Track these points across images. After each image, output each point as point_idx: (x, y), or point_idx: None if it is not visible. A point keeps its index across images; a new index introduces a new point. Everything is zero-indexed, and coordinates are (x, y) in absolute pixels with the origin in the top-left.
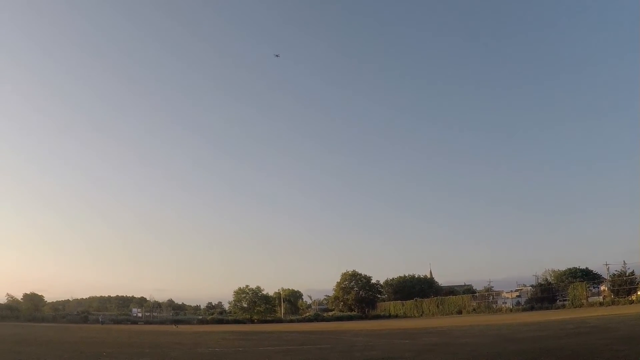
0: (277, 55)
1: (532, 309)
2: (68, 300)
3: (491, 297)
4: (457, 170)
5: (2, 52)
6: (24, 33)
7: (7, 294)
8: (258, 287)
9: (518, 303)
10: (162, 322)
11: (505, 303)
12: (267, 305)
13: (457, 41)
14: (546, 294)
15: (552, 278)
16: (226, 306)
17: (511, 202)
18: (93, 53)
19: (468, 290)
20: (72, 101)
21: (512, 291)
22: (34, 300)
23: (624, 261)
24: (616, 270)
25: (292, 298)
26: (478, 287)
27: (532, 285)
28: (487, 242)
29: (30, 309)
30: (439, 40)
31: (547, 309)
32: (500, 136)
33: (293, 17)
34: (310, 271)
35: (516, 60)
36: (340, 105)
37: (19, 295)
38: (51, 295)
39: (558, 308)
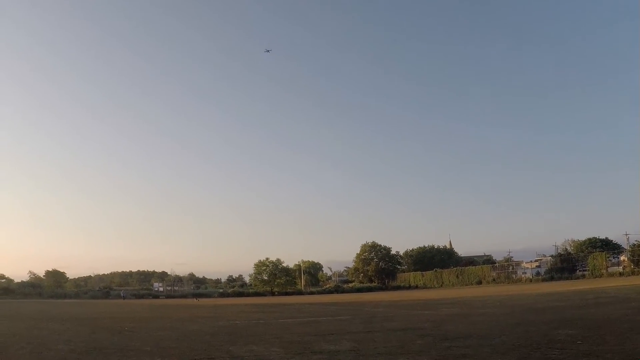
0: (268, 51)
1: (551, 279)
2: (90, 277)
3: (511, 268)
4: (476, 138)
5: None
6: (54, 17)
7: (30, 272)
8: (278, 260)
9: (538, 273)
10: (183, 296)
11: (525, 273)
12: (288, 278)
13: None
14: (566, 264)
15: (572, 248)
16: (247, 279)
17: (531, 171)
18: (121, 34)
19: (488, 260)
20: (99, 82)
21: (531, 261)
22: (56, 277)
23: None
24: (636, 241)
25: (313, 270)
26: (498, 257)
27: (551, 256)
28: (506, 212)
29: (52, 286)
30: None
31: (566, 279)
32: (523, 100)
33: None
34: (331, 243)
35: None
36: (364, 81)
37: (41, 273)
38: (73, 271)
39: (578, 278)
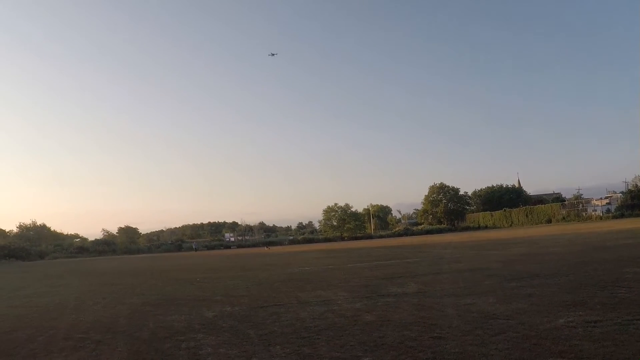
0: (273, 54)
1: (622, 216)
2: (162, 231)
3: (580, 205)
4: (543, 73)
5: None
6: None
7: (103, 229)
8: (347, 205)
9: (608, 210)
10: (254, 245)
11: (595, 211)
12: (357, 222)
13: None
14: (636, 200)
15: None
16: (316, 225)
17: (601, 106)
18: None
19: (557, 199)
20: (153, 52)
21: (601, 198)
22: (128, 233)
23: None
24: None
25: (382, 214)
26: (567, 195)
27: (622, 192)
28: (576, 148)
29: (125, 242)
30: None
31: (637, 216)
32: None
33: None
34: (399, 186)
35: None
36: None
37: (114, 230)
38: (145, 227)
39: None
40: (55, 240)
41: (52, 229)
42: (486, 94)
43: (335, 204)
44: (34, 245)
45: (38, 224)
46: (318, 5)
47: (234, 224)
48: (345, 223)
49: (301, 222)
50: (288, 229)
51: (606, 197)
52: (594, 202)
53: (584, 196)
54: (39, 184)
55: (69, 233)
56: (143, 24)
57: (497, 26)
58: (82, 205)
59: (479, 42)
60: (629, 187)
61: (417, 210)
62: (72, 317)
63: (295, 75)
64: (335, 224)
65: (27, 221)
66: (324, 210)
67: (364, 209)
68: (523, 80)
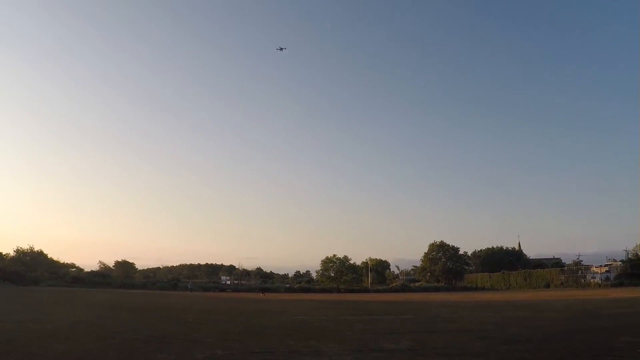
0: (281, 49)
1: (621, 284)
2: (159, 268)
3: (580, 272)
4: (546, 140)
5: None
6: None
7: (100, 262)
8: (345, 257)
9: (607, 278)
10: (249, 290)
11: (594, 278)
12: (354, 275)
13: None
14: (636, 269)
15: None
16: (314, 275)
17: (606, 174)
18: None
19: (556, 263)
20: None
21: (601, 266)
22: (125, 267)
23: None
24: None
25: (380, 268)
26: (567, 260)
27: (622, 261)
28: (578, 214)
29: (121, 276)
30: None
31: (636, 285)
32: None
33: None
34: (399, 241)
35: None
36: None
37: (110, 263)
38: (142, 262)
39: None
40: (51, 267)
41: (49, 256)
42: (489, 158)
43: (334, 255)
44: (30, 271)
45: (35, 249)
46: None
47: (231, 267)
48: (343, 275)
49: (299, 271)
50: (285, 276)
51: (606, 265)
52: (594, 269)
53: (584, 263)
54: (40, 209)
55: (65, 262)
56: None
57: (492, 85)
58: (80, 234)
59: (479, 101)
60: (629, 256)
61: (416, 267)
62: (63, 346)
63: (290, 129)
64: (332, 275)
65: (25, 246)
66: (322, 261)
67: (363, 262)
68: (529, 143)
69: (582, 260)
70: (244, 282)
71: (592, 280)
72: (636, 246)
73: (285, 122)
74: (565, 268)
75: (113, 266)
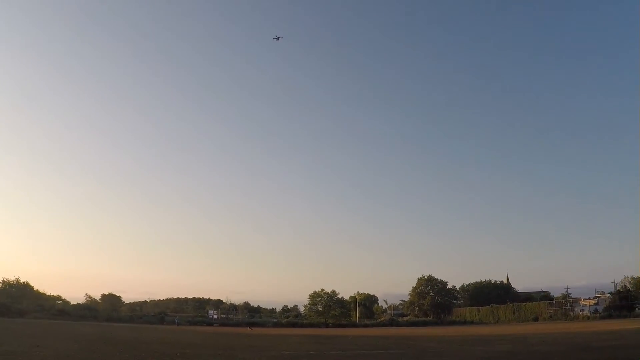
0: (278, 38)
1: (609, 317)
2: (145, 302)
3: (568, 305)
4: (536, 172)
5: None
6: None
7: (86, 294)
8: (333, 291)
9: (596, 311)
10: (237, 325)
11: (583, 311)
12: (342, 310)
13: None
14: (625, 301)
15: (631, 285)
16: (302, 309)
17: (592, 207)
18: None
19: (545, 297)
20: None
21: (590, 298)
22: (112, 300)
23: None
24: None
25: (368, 302)
26: (556, 293)
27: (610, 293)
28: (566, 247)
29: (108, 309)
30: None
31: (625, 317)
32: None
33: None
34: (387, 275)
35: None
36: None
37: (97, 296)
38: (129, 296)
39: (637, 316)
40: (37, 300)
41: (35, 288)
42: (477, 193)
43: (322, 290)
44: (15, 303)
45: (22, 281)
46: None
47: (219, 301)
48: (331, 309)
49: (286, 305)
50: (273, 310)
51: (594, 297)
52: (582, 301)
53: (573, 295)
54: (27, 240)
55: (52, 294)
56: None
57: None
58: (67, 266)
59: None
60: (618, 288)
61: (404, 301)
62: None
63: (274, 164)
64: (320, 309)
65: (11, 277)
66: (310, 295)
67: (351, 297)
68: (517, 179)
69: (570, 293)
70: (231, 316)
71: (580, 313)
72: (624, 278)
73: (271, 159)
74: (554, 301)
75: (99, 299)
